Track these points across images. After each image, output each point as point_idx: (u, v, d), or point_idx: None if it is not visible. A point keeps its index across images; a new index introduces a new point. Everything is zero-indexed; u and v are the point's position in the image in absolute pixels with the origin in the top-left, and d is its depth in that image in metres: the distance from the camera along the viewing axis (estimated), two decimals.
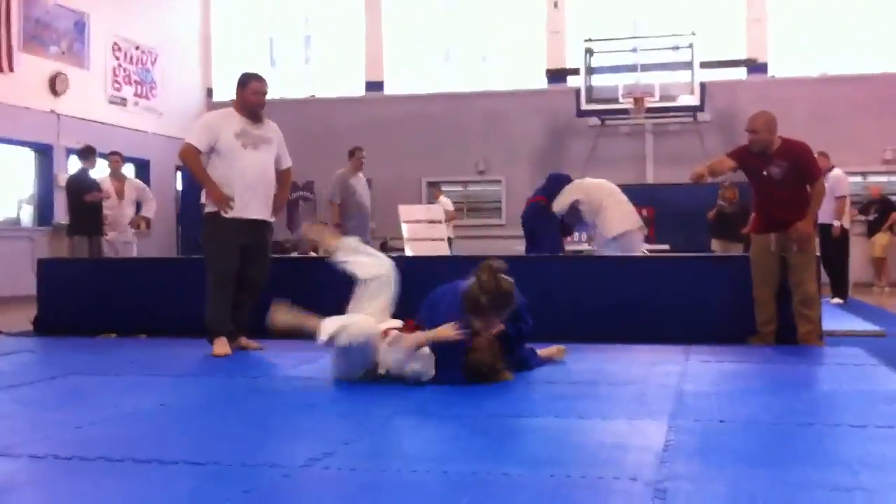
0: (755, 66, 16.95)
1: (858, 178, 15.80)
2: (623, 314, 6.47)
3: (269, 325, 4.77)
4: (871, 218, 14.20)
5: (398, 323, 4.57)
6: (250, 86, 5.95)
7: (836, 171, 10.30)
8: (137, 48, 16.72)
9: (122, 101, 16.30)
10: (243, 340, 6.01)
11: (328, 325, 4.34)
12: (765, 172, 6.09)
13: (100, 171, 10.35)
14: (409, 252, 9.91)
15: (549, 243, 8.31)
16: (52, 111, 14.49)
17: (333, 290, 6.90)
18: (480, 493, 2.55)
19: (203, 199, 6.12)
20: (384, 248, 11.50)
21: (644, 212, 10.84)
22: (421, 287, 4.85)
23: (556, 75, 17.52)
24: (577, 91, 16.63)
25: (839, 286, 10.47)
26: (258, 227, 5.97)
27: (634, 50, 16.60)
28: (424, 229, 10.22)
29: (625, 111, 16.31)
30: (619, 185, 8.53)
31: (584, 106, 16.55)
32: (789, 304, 6.08)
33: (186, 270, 7.23)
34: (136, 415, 3.78)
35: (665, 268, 6.92)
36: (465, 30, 18.39)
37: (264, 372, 5.27)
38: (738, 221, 11.23)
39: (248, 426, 3.57)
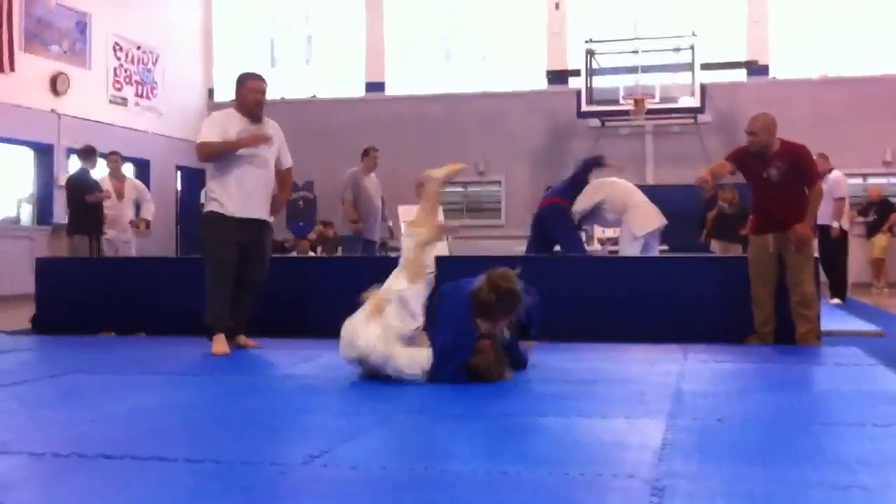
0: (756, 68, 16.95)
1: (858, 180, 15.80)
2: (622, 313, 6.48)
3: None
4: (870, 219, 14.23)
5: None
6: (248, 84, 5.95)
7: (835, 173, 10.31)
8: (139, 48, 16.73)
9: (123, 101, 16.31)
10: (242, 339, 6.02)
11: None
12: (764, 174, 6.10)
13: (100, 171, 10.36)
14: None
15: (575, 243, 8.68)
16: (53, 111, 14.50)
17: (332, 290, 6.93)
18: (479, 491, 2.55)
19: (203, 199, 6.13)
20: (382, 248, 11.50)
21: None
22: None
23: (557, 76, 17.52)
24: (578, 92, 16.62)
25: (838, 287, 10.48)
26: (257, 227, 5.97)
27: (635, 51, 16.59)
28: None
29: (625, 112, 16.30)
30: None
31: (585, 107, 16.54)
32: (788, 304, 6.09)
33: (185, 269, 7.24)
34: (136, 413, 3.78)
35: (664, 267, 6.93)
36: (466, 30, 18.40)
37: (263, 370, 5.28)
38: (737, 222, 11.27)
39: (247, 424, 3.57)
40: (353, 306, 4.65)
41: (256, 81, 5.98)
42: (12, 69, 13.66)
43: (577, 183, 8.69)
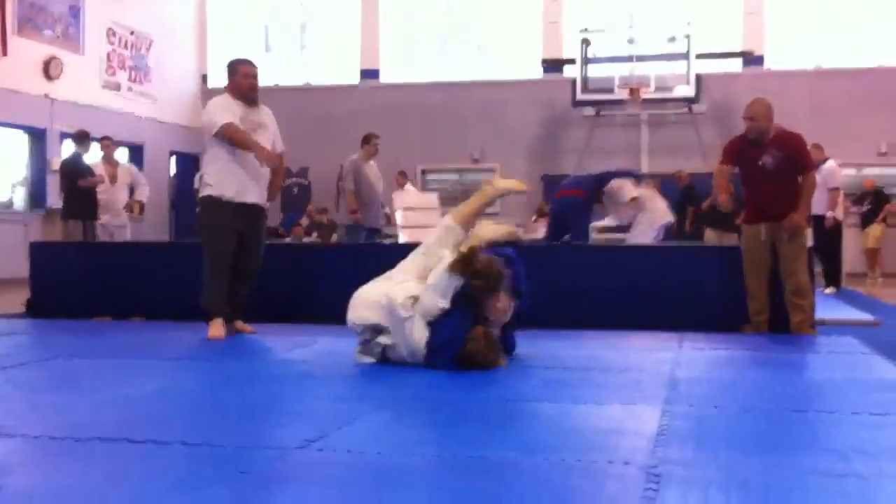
0: (751, 58, 16.95)
1: (853, 171, 15.82)
2: (618, 302, 6.49)
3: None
4: (864, 209, 14.25)
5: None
6: (241, 69, 5.94)
7: (830, 163, 10.33)
8: (132, 33, 16.65)
9: (117, 87, 16.24)
10: (239, 324, 6.02)
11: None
12: (760, 162, 6.09)
13: (94, 155, 10.33)
14: (402, 239, 9.93)
15: (586, 237, 9.25)
16: (46, 95, 14.44)
17: (327, 277, 6.93)
18: (474, 477, 2.55)
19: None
20: (377, 234, 11.45)
21: None
22: None
23: (553, 65, 17.50)
24: (573, 81, 16.61)
25: (833, 276, 10.51)
26: (253, 213, 5.96)
27: (631, 41, 16.58)
28: (418, 216, 10.23)
29: (621, 102, 16.29)
30: None
31: (580, 96, 16.54)
32: (782, 294, 6.10)
33: (180, 254, 7.23)
34: (131, 397, 3.77)
35: (660, 256, 6.95)
36: (462, 19, 18.35)
37: (259, 355, 5.27)
38: (732, 212, 11.25)
39: (243, 409, 3.57)
40: (348, 292, 4.65)
41: (248, 66, 5.97)
42: (5, 53, 13.60)
43: (602, 182, 9.19)
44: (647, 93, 16.04)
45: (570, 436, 3.13)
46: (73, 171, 9.83)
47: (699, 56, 16.12)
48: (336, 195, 17.24)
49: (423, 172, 18.03)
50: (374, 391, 3.97)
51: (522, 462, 2.69)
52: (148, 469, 2.63)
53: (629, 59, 16.55)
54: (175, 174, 18.10)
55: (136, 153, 16.31)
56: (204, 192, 5.91)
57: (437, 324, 4.34)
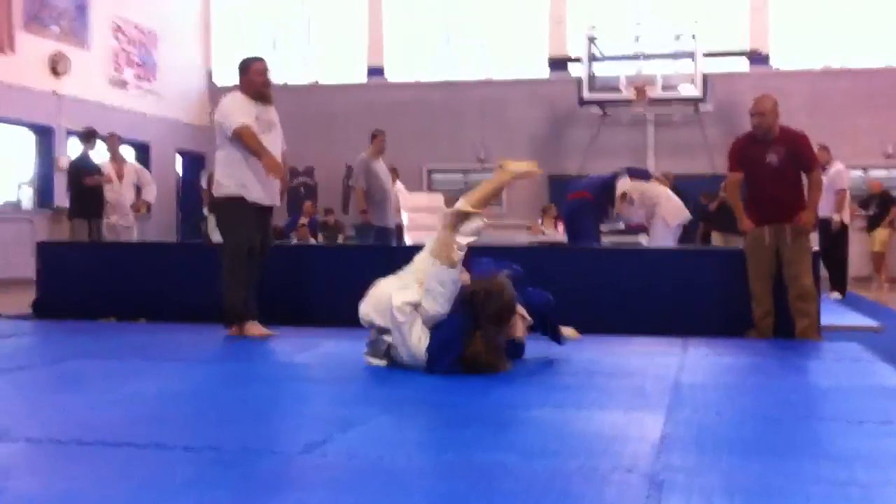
0: (757, 58, 16.91)
1: (859, 173, 15.77)
2: (621, 306, 6.47)
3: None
4: (871, 212, 14.16)
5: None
6: (253, 67, 5.96)
7: (837, 165, 10.29)
8: (138, 29, 16.65)
9: (123, 84, 16.24)
10: (254, 326, 5.99)
11: None
12: (766, 159, 6.07)
13: (101, 153, 10.33)
14: (408, 241, 9.93)
15: (593, 240, 9.16)
16: (54, 92, 14.42)
17: (328, 277, 6.92)
18: (476, 482, 2.55)
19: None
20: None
21: None
22: None
23: (558, 64, 17.48)
24: (579, 80, 16.57)
25: (838, 281, 10.47)
26: (266, 215, 6.02)
27: (637, 39, 16.54)
28: (425, 217, 10.20)
29: (626, 101, 16.26)
30: None
31: (586, 95, 16.50)
32: (787, 299, 6.08)
33: (187, 255, 7.22)
34: (136, 399, 3.78)
35: (664, 260, 6.93)
36: (467, 17, 18.33)
37: (263, 358, 5.28)
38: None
39: (247, 412, 3.57)
40: (353, 294, 4.65)
41: (259, 63, 6.01)
42: (12, 50, 13.59)
43: (609, 183, 9.19)
44: (653, 92, 16.00)
45: (572, 441, 3.12)
46: (80, 170, 9.85)
47: (705, 55, 16.06)
48: (343, 195, 17.27)
49: (430, 172, 18.04)
50: (378, 395, 3.97)
51: (524, 468, 2.68)
52: (151, 473, 2.63)
53: (635, 57, 16.52)
54: (181, 173, 18.07)
55: (143, 151, 16.31)
56: (224, 192, 5.88)
57: (435, 327, 4.34)
